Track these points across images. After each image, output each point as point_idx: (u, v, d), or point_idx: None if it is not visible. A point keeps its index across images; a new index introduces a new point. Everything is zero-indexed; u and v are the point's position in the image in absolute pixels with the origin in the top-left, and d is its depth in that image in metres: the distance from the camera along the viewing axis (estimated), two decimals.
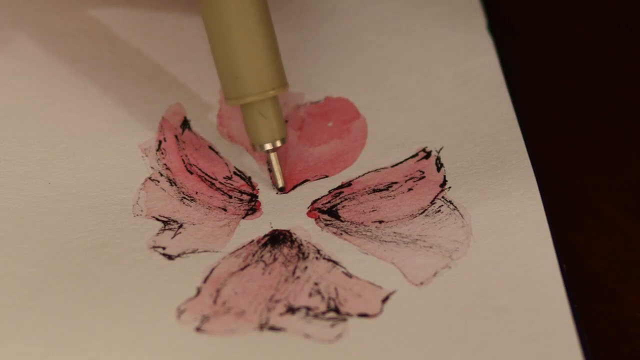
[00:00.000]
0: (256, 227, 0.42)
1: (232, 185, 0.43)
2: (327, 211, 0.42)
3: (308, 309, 0.39)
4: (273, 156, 0.43)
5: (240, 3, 0.41)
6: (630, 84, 0.48)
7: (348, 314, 0.39)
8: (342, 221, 0.42)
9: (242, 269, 0.40)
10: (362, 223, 0.42)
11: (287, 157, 0.44)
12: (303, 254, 0.41)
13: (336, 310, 0.39)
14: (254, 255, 0.41)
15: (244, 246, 0.41)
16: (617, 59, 0.49)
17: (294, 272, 0.40)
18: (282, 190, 0.43)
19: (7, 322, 0.39)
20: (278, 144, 0.43)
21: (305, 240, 0.41)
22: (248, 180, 0.43)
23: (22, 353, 0.38)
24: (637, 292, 0.42)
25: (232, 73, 0.42)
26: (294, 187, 0.43)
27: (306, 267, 0.40)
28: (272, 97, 0.42)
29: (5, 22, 0.47)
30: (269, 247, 0.41)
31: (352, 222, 0.42)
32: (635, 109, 0.47)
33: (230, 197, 0.43)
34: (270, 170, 0.43)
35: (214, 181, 0.43)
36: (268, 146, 0.42)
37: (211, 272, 0.40)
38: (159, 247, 0.41)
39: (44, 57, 0.46)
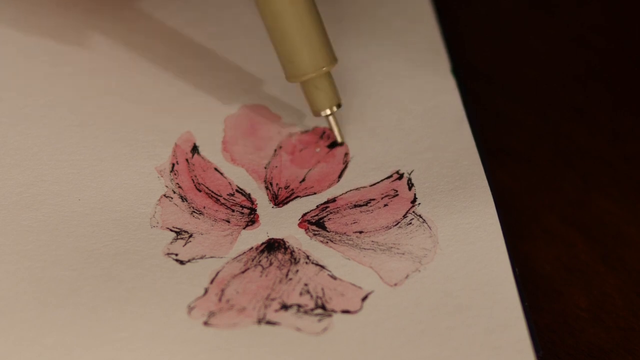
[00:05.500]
0: (255, 236, 0.43)
1: (234, 200, 0.44)
2: (315, 223, 0.43)
3: (299, 306, 0.41)
4: (331, 119, 0.45)
5: (293, 3, 0.43)
6: (571, 117, 0.49)
7: (333, 311, 0.41)
8: (328, 231, 0.43)
9: (243, 272, 0.42)
10: (345, 233, 0.43)
11: (282, 176, 0.45)
12: (295, 259, 0.42)
13: (323, 307, 0.41)
14: (253, 260, 0.42)
15: (244, 252, 0.42)
16: (560, 95, 0.50)
17: (287, 275, 0.42)
18: (341, 145, 0.45)
19: (45, 318, 0.40)
20: (335, 108, 0.45)
21: (297, 248, 0.43)
22: (248, 196, 0.44)
23: (57, 344, 0.39)
24: (578, 292, 0.43)
25: (289, 58, 0.44)
26: (287, 202, 0.44)
27: (297, 271, 0.42)
28: (325, 73, 0.44)
29: (42, 62, 0.48)
30: (265, 254, 0.42)
31: (336, 232, 0.43)
32: (575, 137, 0.48)
33: (233, 211, 0.44)
34: (331, 130, 0.46)
35: (219, 197, 0.44)
36: (326, 112, 0.45)
37: (217, 274, 0.42)
38: (172, 253, 0.42)
39: (74, 91, 0.47)
